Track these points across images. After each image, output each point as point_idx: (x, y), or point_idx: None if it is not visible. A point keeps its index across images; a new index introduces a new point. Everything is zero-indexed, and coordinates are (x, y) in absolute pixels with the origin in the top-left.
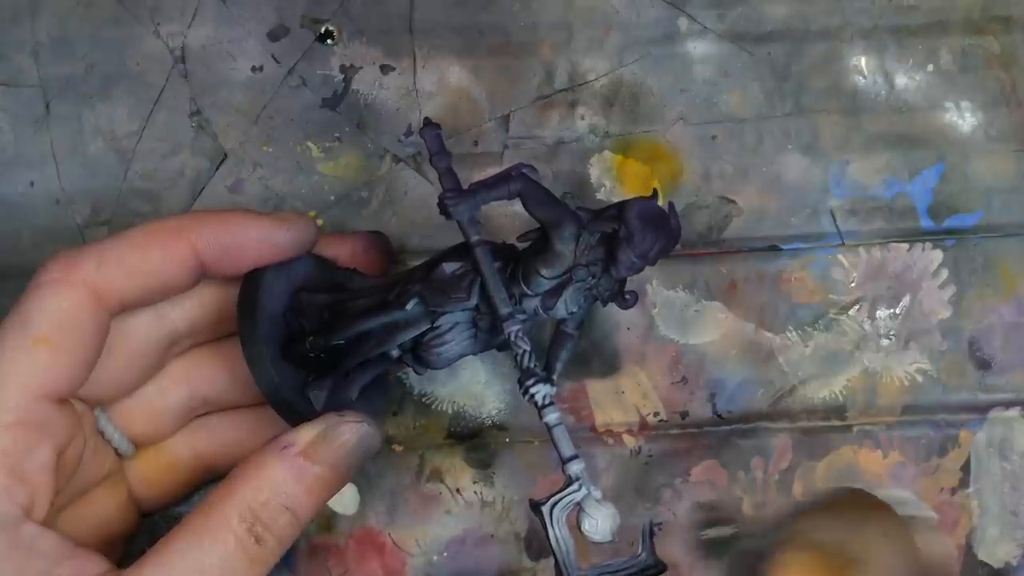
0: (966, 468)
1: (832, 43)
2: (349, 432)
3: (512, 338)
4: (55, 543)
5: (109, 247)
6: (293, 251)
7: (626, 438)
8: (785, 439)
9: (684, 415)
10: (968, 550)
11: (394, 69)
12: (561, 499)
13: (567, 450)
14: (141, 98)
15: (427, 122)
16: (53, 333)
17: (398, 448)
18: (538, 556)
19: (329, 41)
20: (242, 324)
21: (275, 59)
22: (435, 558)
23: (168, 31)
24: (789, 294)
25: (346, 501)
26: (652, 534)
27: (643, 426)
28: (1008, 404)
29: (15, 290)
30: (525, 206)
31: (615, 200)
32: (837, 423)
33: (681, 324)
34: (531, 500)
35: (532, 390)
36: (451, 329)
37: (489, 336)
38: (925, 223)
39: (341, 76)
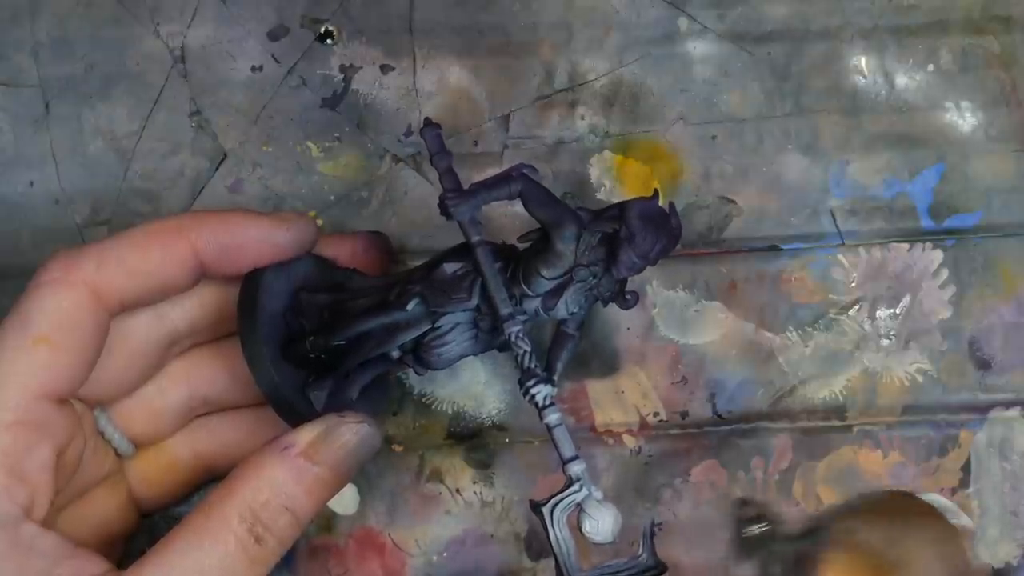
0: (966, 468)
1: (832, 43)
2: (350, 433)
3: (513, 339)
4: (55, 543)
5: (109, 247)
6: (293, 251)
7: (626, 438)
8: (785, 439)
9: (684, 415)
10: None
11: (394, 69)
12: (562, 500)
13: (568, 451)
14: (141, 98)
15: (427, 122)
16: (53, 333)
17: (398, 448)
18: (538, 556)
19: (329, 41)
20: (242, 324)
21: (275, 59)
22: (435, 558)
23: (168, 31)
24: (789, 294)
25: (346, 501)
26: (653, 535)
27: (643, 426)
28: (1008, 404)
29: (15, 290)
30: (526, 206)
31: (615, 200)
32: (837, 423)
33: (681, 324)
34: (531, 501)
35: (533, 391)
36: (452, 330)
37: (490, 337)
38: (925, 223)
39: (341, 76)
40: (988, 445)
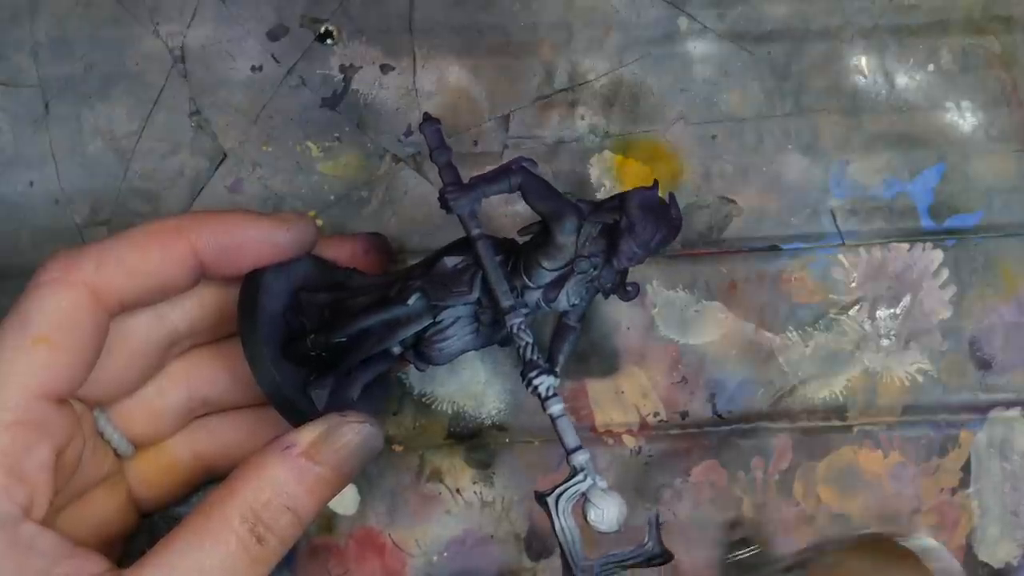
0: (966, 468)
1: (832, 43)
2: (351, 433)
3: (514, 331)
4: (54, 542)
5: (109, 247)
6: (293, 251)
7: (626, 438)
8: (785, 439)
9: (684, 415)
10: (968, 550)
11: (394, 69)
12: (567, 490)
13: (571, 441)
14: (140, 98)
15: (427, 117)
16: (52, 333)
17: (398, 448)
18: (538, 556)
19: (329, 41)
20: (242, 324)
21: (275, 59)
22: (435, 558)
23: (167, 31)
24: (789, 294)
25: (346, 501)
26: (659, 524)
27: (643, 426)
28: (1008, 404)
29: (15, 290)
30: (526, 199)
31: None
32: (837, 423)
33: (681, 324)
34: (536, 491)
35: (535, 381)
36: (453, 324)
37: (491, 330)
38: (925, 223)
39: (341, 76)
40: (988, 445)
